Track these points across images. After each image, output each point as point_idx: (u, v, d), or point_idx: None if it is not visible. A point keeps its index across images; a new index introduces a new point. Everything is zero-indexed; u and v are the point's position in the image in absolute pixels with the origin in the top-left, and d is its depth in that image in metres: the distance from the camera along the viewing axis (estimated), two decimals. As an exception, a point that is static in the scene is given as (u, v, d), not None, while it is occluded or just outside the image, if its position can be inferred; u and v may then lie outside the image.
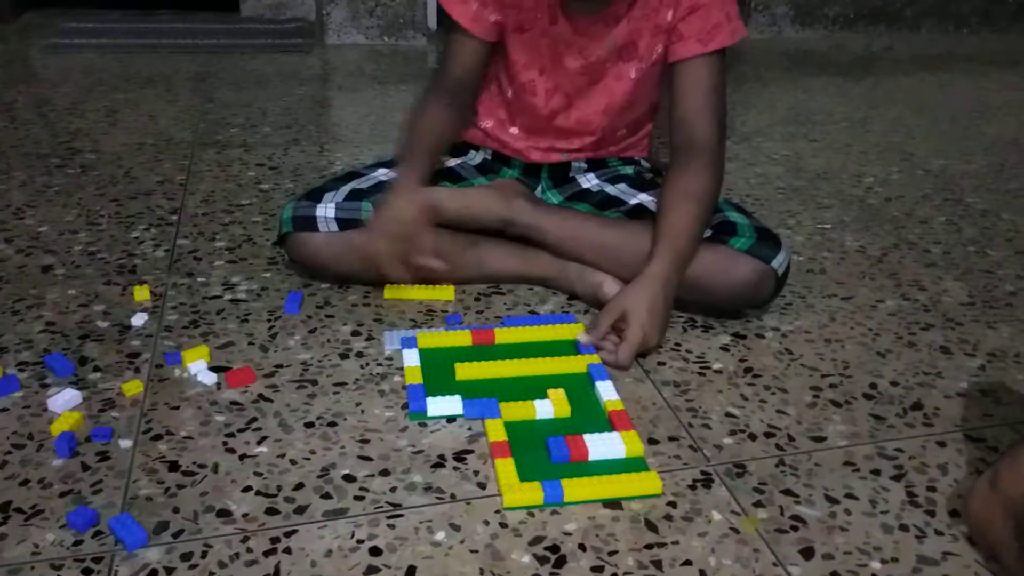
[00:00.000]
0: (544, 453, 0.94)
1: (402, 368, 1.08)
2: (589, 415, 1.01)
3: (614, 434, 0.96)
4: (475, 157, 1.37)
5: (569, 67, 1.24)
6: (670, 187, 1.17)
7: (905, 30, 3.57)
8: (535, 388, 1.04)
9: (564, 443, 0.94)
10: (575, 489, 0.88)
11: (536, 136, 1.32)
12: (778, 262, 1.15)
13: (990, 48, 3.40)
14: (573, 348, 1.14)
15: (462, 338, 1.13)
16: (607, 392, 1.04)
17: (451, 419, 0.99)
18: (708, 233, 1.18)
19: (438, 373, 1.07)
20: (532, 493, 0.87)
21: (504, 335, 1.15)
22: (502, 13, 1.22)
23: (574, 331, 1.16)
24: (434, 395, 1.01)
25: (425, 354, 1.10)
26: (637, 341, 1.09)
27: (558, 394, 1.03)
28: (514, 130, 1.33)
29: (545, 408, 1.00)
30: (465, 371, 1.06)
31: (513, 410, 1.00)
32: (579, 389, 1.06)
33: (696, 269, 1.15)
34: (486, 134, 1.36)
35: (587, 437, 0.95)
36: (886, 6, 3.53)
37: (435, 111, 1.25)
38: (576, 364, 1.09)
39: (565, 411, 1.01)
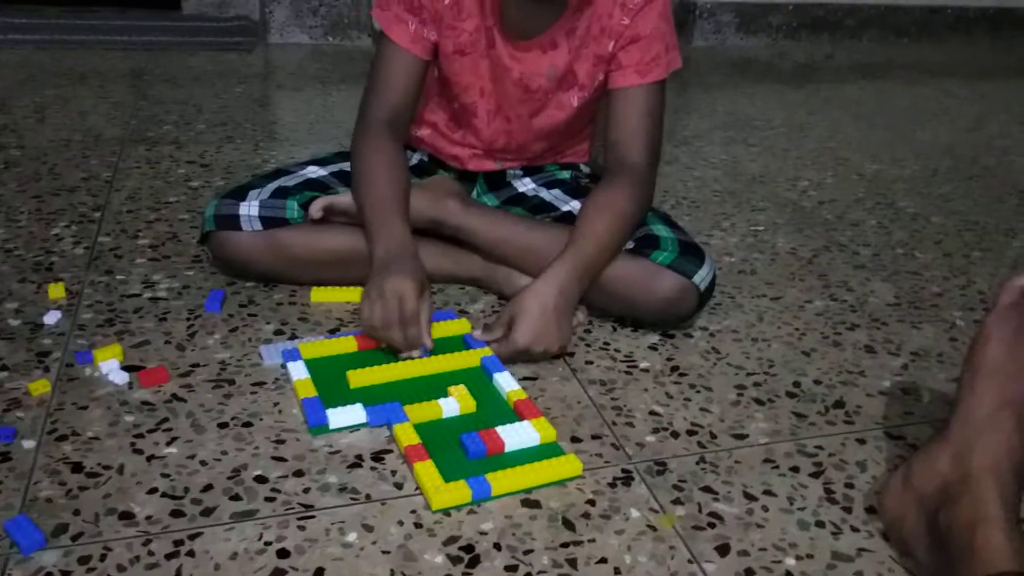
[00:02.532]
0: (459, 451, 0.93)
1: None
2: (494, 408, 1.00)
3: (525, 423, 0.96)
4: (412, 158, 1.35)
5: (510, 92, 1.22)
6: (591, 199, 1.16)
7: (847, 39, 3.63)
8: (434, 387, 1.03)
9: (479, 438, 0.93)
10: (501, 482, 0.87)
11: (472, 147, 1.30)
12: (700, 277, 1.13)
13: (928, 57, 3.47)
14: (461, 343, 1.12)
15: (347, 345, 1.09)
16: (508, 383, 1.03)
17: (355, 429, 0.96)
18: (631, 246, 1.16)
19: (331, 383, 1.02)
20: (459, 492, 0.85)
21: None
22: (441, 34, 1.18)
23: (457, 327, 1.14)
24: (333, 406, 0.97)
25: (312, 365, 1.05)
26: (520, 344, 1.07)
27: (460, 390, 1.01)
28: (449, 139, 1.31)
29: (451, 406, 0.99)
30: (359, 378, 1.02)
31: (419, 411, 0.97)
32: (478, 383, 1.04)
33: (616, 282, 1.14)
34: (421, 140, 1.34)
35: (500, 429, 0.94)
36: (828, 15, 3.59)
37: (386, 154, 1.17)
38: (469, 359, 1.08)
39: (471, 406, 0.99)
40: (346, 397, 1.00)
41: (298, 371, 1.03)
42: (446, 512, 0.85)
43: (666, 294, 1.13)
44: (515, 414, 0.99)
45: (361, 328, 1.08)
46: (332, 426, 0.95)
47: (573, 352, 1.14)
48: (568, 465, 0.90)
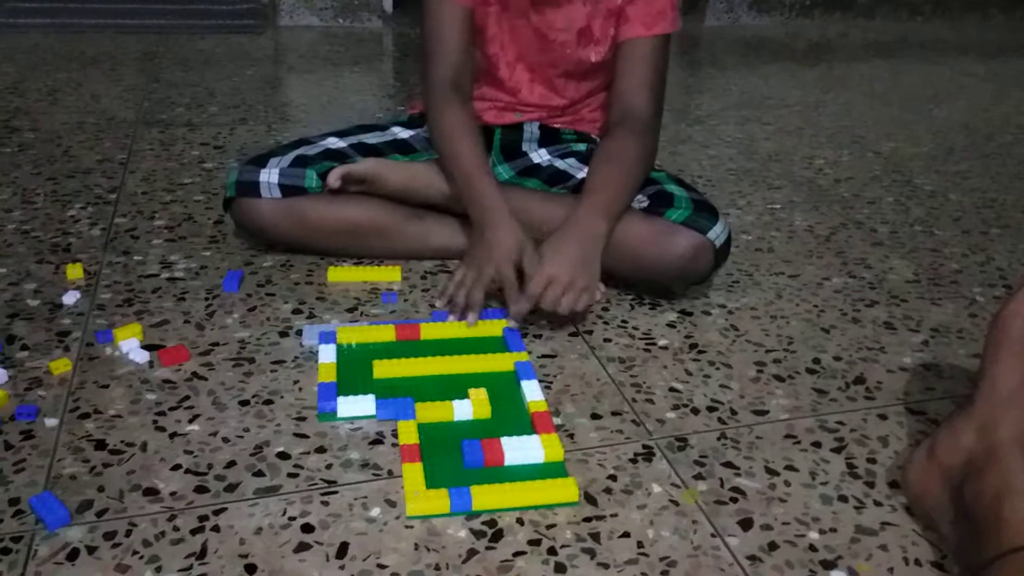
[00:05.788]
0: (458, 457, 0.89)
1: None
2: (511, 416, 0.95)
3: (534, 437, 0.90)
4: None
5: (529, 41, 1.25)
6: (600, 150, 1.18)
7: (860, 17, 3.60)
8: (457, 387, 0.99)
9: (479, 447, 0.88)
10: (485, 497, 0.81)
11: (493, 100, 1.32)
12: (715, 233, 1.13)
13: (942, 36, 3.44)
14: (502, 344, 1.08)
15: (385, 333, 1.07)
16: (532, 392, 0.97)
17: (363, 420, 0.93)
18: (645, 203, 1.17)
19: (355, 371, 1.00)
20: (437, 501, 0.81)
21: (430, 331, 1.08)
22: None
23: (498, 327, 1.11)
24: (346, 394, 0.95)
25: (343, 351, 1.03)
26: (549, 271, 1.05)
27: (479, 394, 0.96)
28: (474, 93, 1.32)
29: (464, 409, 0.94)
30: (383, 369, 1.00)
31: (428, 411, 0.94)
32: (504, 388, 1.00)
33: (631, 242, 1.14)
34: None
35: (505, 440, 0.89)
36: (841, -6, 3.56)
37: (455, 116, 1.19)
38: (503, 362, 1.03)
39: (485, 412, 0.95)
40: (364, 386, 0.98)
41: (327, 355, 1.02)
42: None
43: (681, 251, 1.13)
44: (530, 426, 0.94)
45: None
46: (340, 415, 0.93)
47: (591, 330, 1.13)
48: (563, 490, 0.83)
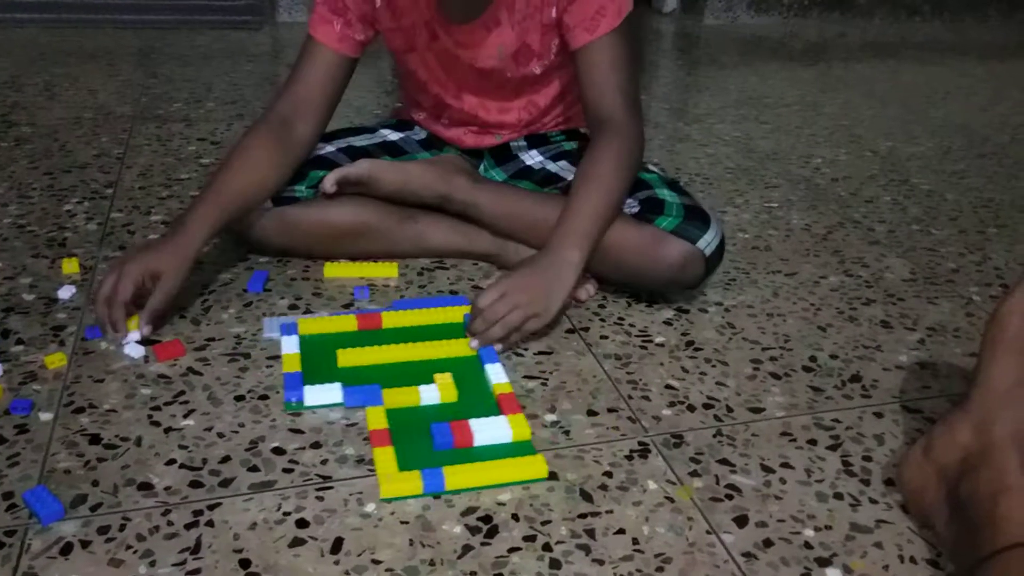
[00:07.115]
0: (428, 440, 0.90)
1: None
2: (477, 399, 0.97)
3: (500, 418, 0.92)
4: (419, 132, 1.35)
5: (466, 76, 1.23)
6: (578, 170, 1.14)
7: (859, 18, 3.60)
8: (422, 373, 1.00)
9: (448, 429, 0.89)
10: (457, 476, 0.83)
11: (465, 125, 1.31)
12: (706, 242, 1.12)
13: (941, 36, 3.44)
14: (463, 331, 1.09)
15: (347, 323, 1.07)
16: (496, 375, 0.99)
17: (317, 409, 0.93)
18: (635, 208, 1.16)
19: (319, 360, 1.00)
20: (410, 483, 0.82)
21: (392, 319, 1.09)
22: (385, 34, 1.21)
23: (465, 313, 1.12)
24: (312, 383, 0.95)
25: (306, 341, 1.03)
26: (493, 292, 1.04)
27: (445, 379, 0.98)
28: (445, 121, 1.32)
29: (431, 394, 0.95)
30: (347, 357, 1.00)
31: (396, 396, 0.95)
32: (468, 373, 1.01)
33: (621, 250, 1.13)
34: (419, 123, 1.34)
35: (473, 422, 0.91)
36: (840, -6, 3.56)
37: (254, 151, 1.14)
38: (466, 347, 1.05)
39: (452, 396, 0.96)
40: (330, 375, 0.98)
41: (290, 345, 1.01)
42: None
43: (671, 261, 1.12)
44: (497, 407, 0.96)
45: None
46: (307, 403, 0.93)
47: (588, 327, 1.13)
48: (533, 466, 0.86)
